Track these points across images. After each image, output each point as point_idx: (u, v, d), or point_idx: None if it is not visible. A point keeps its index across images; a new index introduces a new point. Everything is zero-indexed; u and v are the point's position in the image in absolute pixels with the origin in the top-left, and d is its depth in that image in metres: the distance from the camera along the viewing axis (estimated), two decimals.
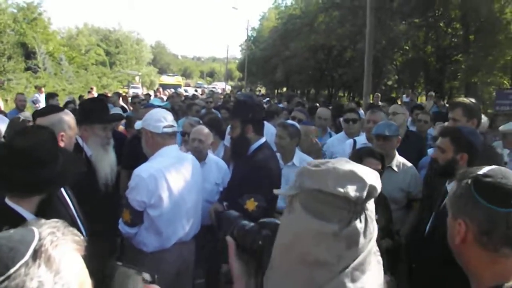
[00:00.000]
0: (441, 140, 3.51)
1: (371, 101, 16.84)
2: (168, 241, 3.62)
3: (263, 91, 48.17)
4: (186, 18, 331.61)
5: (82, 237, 1.07)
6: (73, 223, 2.63)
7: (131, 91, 35.21)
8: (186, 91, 34.42)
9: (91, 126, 3.83)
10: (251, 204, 3.94)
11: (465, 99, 4.55)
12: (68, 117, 3.25)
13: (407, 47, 27.34)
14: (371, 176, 1.26)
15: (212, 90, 27.17)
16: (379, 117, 5.50)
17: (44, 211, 2.36)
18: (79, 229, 2.65)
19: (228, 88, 55.39)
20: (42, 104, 14.39)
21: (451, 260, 1.70)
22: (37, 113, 3.38)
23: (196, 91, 25.57)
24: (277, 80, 43.48)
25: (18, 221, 2.26)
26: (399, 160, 4.69)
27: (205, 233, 4.14)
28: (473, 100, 4.51)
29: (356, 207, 1.23)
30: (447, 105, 14.66)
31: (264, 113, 4.57)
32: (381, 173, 3.96)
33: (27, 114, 7.38)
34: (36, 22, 36.14)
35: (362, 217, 1.25)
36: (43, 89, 18.97)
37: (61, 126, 3.13)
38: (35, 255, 0.92)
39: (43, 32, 36.50)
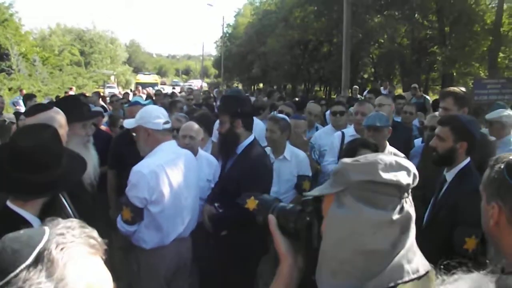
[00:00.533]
0: (440, 129, 3.51)
1: (350, 95, 16.93)
2: (167, 238, 3.59)
3: (240, 87, 48.00)
4: (160, 16, 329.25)
5: (100, 240, 1.00)
6: None
7: (107, 91, 35.03)
8: (162, 89, 34.18)
9: (71, 125, 3.49)
10: (252, 203, 3.86)
11: (455, 88, 4.58)
12: (58, 115, 3.14)
13: (383, 40, 27.52)
14: (411, 165, 1.34)
15: (190, 88, 26.92)
16: (367, 108, 5.52)
17: (49, 214, 2.28)
18: None
19: (205, 85, 55.20)
20: (22, 106, 14.18)
21: (451, 249, 1.74)
22: (26, 113, 3.34)
23: (173, 88, 25.30)
24: (254, 76, 43.30)
25: (21, 225, 2.20)
26: (390, 150, 4.68)
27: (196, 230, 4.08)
28: (463, 89, 4.56)
29: (404, 194, 1.29)
30: (425, 96, 14.85)
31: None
32: None
33: (10, 116, 7.26)
34: (7, 23, 35.54)
35: (409, 202, 1.31)
36: (24, 91, 18.59)
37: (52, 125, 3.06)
38: (38, 258, 0.85)
39: (15, 33, 35.92)
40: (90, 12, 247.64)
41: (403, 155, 4.76)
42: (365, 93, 13.90)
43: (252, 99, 13.37)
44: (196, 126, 4.87)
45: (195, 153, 4.70)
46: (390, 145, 4.79)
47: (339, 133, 5.66)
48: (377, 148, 4.05)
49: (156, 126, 3.55)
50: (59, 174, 2.31)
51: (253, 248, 3.96)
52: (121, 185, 5.31)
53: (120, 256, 4.55)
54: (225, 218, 3.99)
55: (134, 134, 3.77)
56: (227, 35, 55.20)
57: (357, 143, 4.03)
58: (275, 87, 41.44)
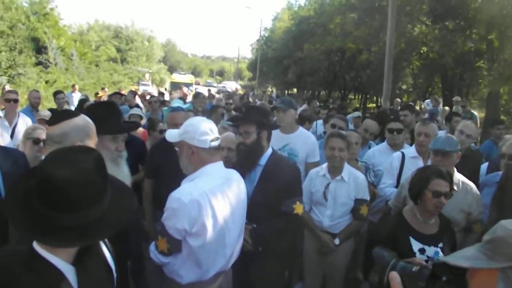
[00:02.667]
0: None
1: (391, 106, 16.37)
2: (207, 274, 3.12)
3: (274, 91, 47.78)
4: (197, 17, 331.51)
5: None
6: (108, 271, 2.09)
7: (141, 88, 35.14)
8: (196, 89, 34.17)
9: (100, 137, 3.12)
10: (299, 208, 3.88)
11: None
12: (85, 123, 2.72)
13: (424, 50, 26.83)
14: None
15: (228, 91, 26.64)
16: (432, 129, 5.09)
17: (85, 261, 1.83)
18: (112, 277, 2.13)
19: (239, 88, 55.13)
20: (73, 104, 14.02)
21: None
22: (49, 121, 2.84)
23: (209, 90, 25.11)
24: (289, 80, 43.10)
25: (50, 273, 1.68)
26: (458, 177, 4.29)
27: None
28: None
29: None
30: (472, 112, 14.27)
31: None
32: (450, 196, 3.56)
33: (46, 113, 7.00)
34: (47, 17, 35.94)
35: None
36: (76, 87, 18.33)
37: (76, 136, 2.62)
38: None
39: (54, 27, 36.30)
40: (129, 9, 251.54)
41: (471, 183, 4.33)
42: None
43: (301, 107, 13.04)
44: (234, 137, 4.62)
45: (232, 165, 4.37)
46: (457, 171, 4.36)
47: (398, 153, 5.25)
48: (452, 179, 3.64)
49: (202, 144, 3.04)
50: (101, 215, 1.79)
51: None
52: (157, 195, 5.01)
53: (150, 267, 4.22)
54: (262, 233, 3.74)
55: (176, 148, 3.25)
56: (264, 38, 55.01)
57: (429, 172, 3.62)
58: (309, 92, 41.20)
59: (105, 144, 3.20)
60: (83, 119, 2.72)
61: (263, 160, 3.95)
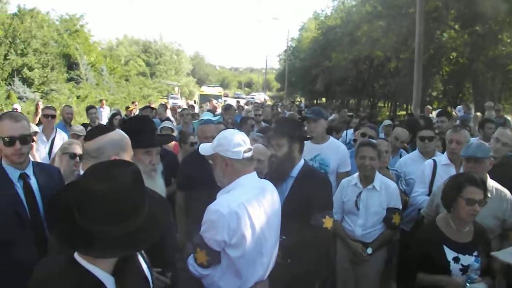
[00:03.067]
0: None
1: (422, 113, 16.17)
2: (246, 284, 3.11)
3: (303, 101, 47.72)
4: (224, 29, 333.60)
5: None
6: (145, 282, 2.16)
7: (171, 101, 35.47)
8: (225, 101, 34.33)
9: (134, 151, 3.13)
10: (328, 222, 3.85)
11: None
12: (120, 137, 2.76)
13: (453, 56, 26.49)
14: None
15: (257, 102, 26.65)
16: (464, 136, 5.03)
17: (124, 271, 1.89)
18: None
19: (267, 98, 55.17)
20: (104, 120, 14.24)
21: None
22: (85, 136, 2.91)
23: (238, 102, 25.19)
24: (317, 90, 42.96)
25: (91, 282, 1.75)
26: (491, 184, 4.22)
27: None
28: None
29: None
30: (506, 117, 14.00)
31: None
32: (484, 203, 3.52)
33: (79, 128, 7.15)
34: (78, 33, 36.74)
35: None
36: (104, 102, 18.56)
37: (112, 150, 2.65)
38: None
39: (84, 43, 37.07)
40: (157, 24, 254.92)
41: (505, 189, 4.26)
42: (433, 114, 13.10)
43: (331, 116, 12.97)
44: (263, 148, 4.61)
45: (262, 177, 4.40)
46: (496, 180, 4.30)
47: (430, 161, 5.21)
48: (486, 186, 3.59)
49: (235, 155, 3.06)
50: (139, 226, 1.84)
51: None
52: (190, 207, 5.04)
53: (183, 277, 4.26)
54: (291, 246, 3.70)
55: (210, 161, 3.28)
56: (291, 49, 55.05)
57: (463, 180, 3.58)
58: (338, 101, 41.03)
59: (139, 157, 3.23)
60: (118, 134, 2.77)
61: (295, 171, 3.97)
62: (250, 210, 2.99)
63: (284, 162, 3.94)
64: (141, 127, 3.41)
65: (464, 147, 4.48)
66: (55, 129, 7.26)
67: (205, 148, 3.24)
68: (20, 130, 3.14)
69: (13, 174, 3.12)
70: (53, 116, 7.33)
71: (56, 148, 6.73)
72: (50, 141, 6.99)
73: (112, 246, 1.77)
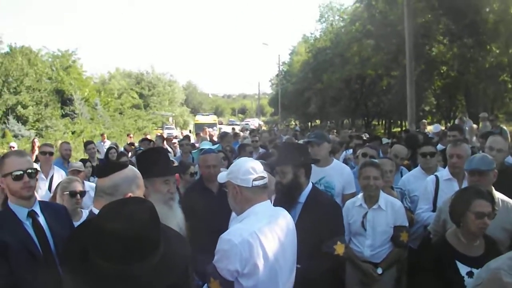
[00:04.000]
0: None
1: (418, 129, 16.19)
2: None
3: (297, 124, 47.85)
4: (215, 57, 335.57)
5: None
6: None
7: (166, 132, 35.50)
8: (221, 129, 34.41)
9: (152, 181, 3.35)
10: (340, 248, 3.80)
11: None
12: (134, 174, 2.81)
13: (444, 69, 26.70)
14: None
15: (252, 128, 26.65)
16: (464, 150, 5.02)
17: None
18: None
19: (261, 124, 55.29)
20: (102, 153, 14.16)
21: None
22: (98, 173, 3.00)
23: (233, 129, 25.23)
24: (311, 112, 43.16)
25: None
26: (497, 196, 4.17)
27: None
28: None
29: None
30: (502, 127, 14.04)
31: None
32: (493, 216, 3.50)
33: (78, 164, 7.12)
34: (70, 69, 37.00)
35: None
36: (105, 136, 18.47)
37: (127, 187, 2.70)
38: None
39: (77, 78, 37.30)
40: (149, 55, 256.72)
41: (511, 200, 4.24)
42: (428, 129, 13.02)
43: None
44: (267, 174, 4.55)
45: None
46: (498, 190, 4.26)
47: (432, 177, 5.20)
48: (493, 198, 3.57)
49: (245, 183, 3.02)
50: (156, 265, 1.81)
51: None
52: (198, 238, 4.99)
53: None
54: (303, 274, 3.56)
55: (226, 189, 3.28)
56: (283, 73, 55.42)
57: (470, 193, 3.57)
58: (332, 122, 41.15)
59: (157, 187, 3.35)
60: (132, 170, 2.81)
61: (302, 197, 3.95)
62: (262, 239, 2.94)
63: (290, 189, 3.92)
64: (158, 158, 3.54)
65: (467, 160, 4.46)
66: (52, 166, 7.23)
67: (221, 176, 3.24)
68: (27, 164, 3.22)
69: (21, 213, 3.13)
70: (51, 153, 7.33)
71: (54, 186, 6.70)
72: (48, 178, 6.95)
73: (129, 286, 1.74)
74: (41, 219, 3.21)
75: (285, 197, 3.93)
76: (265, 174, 3.14)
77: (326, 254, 3.76)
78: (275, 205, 3.74)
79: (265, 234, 2.97)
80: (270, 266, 2.97)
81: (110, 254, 1.73)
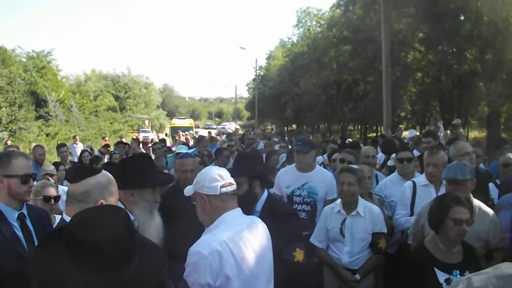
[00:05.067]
0: None
1: (394, 134, 16.31)
2: None
3: (274, 128, 47.91)
4: (192, 60, 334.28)
5: None
6: None
7: (142, 135, 35.22)
8: (197, 132, 34.28)
9: (141, 191, 3.27)
10: (299, 255, 3.86)
11: None
12: (107, 180, 2.68)
13: (419, 76, 27.05)
14: None
15: (228, 132, 26.52)
16: (439, 159, 5.01)
17: None
18: None
19: (238, 128, 55.26)
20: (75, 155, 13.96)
21: None
22: (71, 178, 2.88)
23: (209, 133, 25.16)
24: (287, 117, 43.26)
25: None
26: (475, 204, 4.19)
27: None
28: None
29: None
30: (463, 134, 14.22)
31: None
32: (471, 223, 3.51)
33: (50, 167, 6.97)
34: (45, 70, 36.43)
35: None
36: (77, 138, 18.19)
37: (99, 193, 2.58)
38: None
39: (52, 80, 36.75)
40: (125, 58, 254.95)
41: (488, 208, 4.26)
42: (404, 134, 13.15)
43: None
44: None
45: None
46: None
47: (409, 183, 5.20)
48: (472, 206, 3.58)
49: (212, 191, 2.88)
50: (131, 275, 1.74)
51: None
52: (174, 244, 4.91)
53: None
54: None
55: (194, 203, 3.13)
56: (260, 77, 55.47)
57: (448, 200, 3.56)
58: (308, 127, 41.32)
59: (145, 197, 3.28)
60: (105, 176, 2.69)
61: (258, 206, 4.00)
62: (233, 248, 2.78)
63: (246, 200, 3.86)
64: (146, 167, 3.43)
65: (445, 168, 4.45)
66: None
67: (188, 190, 3.10)
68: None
69: (11, 214, 3.11)
70: None
71: None
72: None
73: None
74: (28, 222, 3.20)
75: (241, 208, 3.87)
76: (232, 180, 3.00)
77: (286, 261, 3.76)
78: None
79: (237, 243, 2.82)
80: (244, 277, 2.81)
81: (82, 265, 1.65)
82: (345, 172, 4.62)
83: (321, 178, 5.39)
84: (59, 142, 13.74)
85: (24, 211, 3.22)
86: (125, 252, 1.73)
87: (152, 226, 3.32)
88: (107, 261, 1.66)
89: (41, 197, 4.44)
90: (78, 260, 1.65)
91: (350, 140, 12.81)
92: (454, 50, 22.11)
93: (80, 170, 2.94)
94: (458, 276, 3.43)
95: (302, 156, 5.33)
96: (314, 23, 40.26)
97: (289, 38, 44.63)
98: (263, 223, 3.17)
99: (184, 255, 4.66)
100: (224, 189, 2.90)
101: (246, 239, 2.89)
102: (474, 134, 30.45)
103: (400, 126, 19.44)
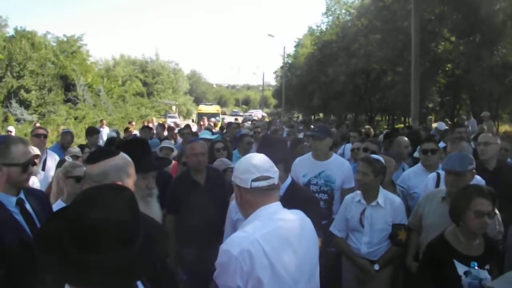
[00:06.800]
0: None
1: (424, 125, 16.09)
2: None
3: (300, 117, 47.69)
4: (220, 47, 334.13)
5: None
6: None
7: (169, 121, 35.37)
8: (223, 119, 34.31)
9: None
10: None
11: None
12: (125, 161, 2.61)
13: (449, 67, 26.58)
14: None
15: (254, 119, 26.29)
16: (462, 148, 4.95)
17: None
18: None
19: (264, 115, 55.18)
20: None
21: None
22: (87, 159, 2.75)
23: (236, 119, 25.13)
24: (314, 106, 43.00)
25: None
26: None
27: None
28: None
29: None
30: None
31: None
32: (493, 215, 3.44)
33: (76, 149, 7.07)
34: (75, 55, 36.85)
35: None
36: (104, 122, 18.14)
37: (116, 175, 2.50)
38: None
39: (82, 64, 37.12)
40: (154, 42, 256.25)
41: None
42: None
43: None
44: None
45: None
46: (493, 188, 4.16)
47: (433, 174, 5.14)
48: (495, 197, 3.49)
49: (243, 183, 2.62)
50: (135, 255, 1.69)
51: None
52: (183, 231, 4.88)
53: None
54: None
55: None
56: (288, 65, 55.20)
57: (471, 191, 3.49)
58: (332, 116, 41.08)
59: (136, 182, 2.99)
60: (123, 158, 2.62)
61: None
62: (266, 248, 2.48)
63: None
64: (138, 151, 3.18)
65: (445, 159, 4.45)
66: (45, 150, 7.13)
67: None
68: (30, 153, 3.12)
69: (9, 201, 3.02)
70: (45, 136, 7.35)
71: (49, 171, 6.58)
72: (42, 162, 6.80)
73: (106, 277, 1.63)
74: (28, 206, 3.13)
75: None
76: (272, 173, 2.68)
77: None
78: None
79: (270, 241, 2.51)
80: (280, 279, 2.52)
81: (86, 245, 1.62)
82: (362, 162, 4.59)
83: (338, 166, 5.31)
84: (86, 126, 13.79)
85: (22, 195, 3.13)
86: (129, 230, 1.69)
87: (146, 213, 3.23)
88: (110, 240, 1.63)
89: (73, 177, 4.25)
90: (80, 240, 1.63)
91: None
92: (486, 41, 21.60)
93: (97, 152, 2.90)
94: (476, 268, 3.38)
95: (318, 143, 5.25)
96: (343, 11, 39.70)
97: (318, 26, 44.08)
98: (309, 220, 2.85)
99: (194, 242, 4.66)
100: (255, 183, 2.60)
101: (284, 237, 2.59)
102: (504, 128, 29.91)
103: (431, 117, 19.16)
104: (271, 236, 2.52)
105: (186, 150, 5.43)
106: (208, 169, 5.28)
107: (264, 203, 2.63)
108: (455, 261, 3.45)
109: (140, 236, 1.74)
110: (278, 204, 2.70)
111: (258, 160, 2.71)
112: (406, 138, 6.55)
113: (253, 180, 2.59)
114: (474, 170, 4.23)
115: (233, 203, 4.27)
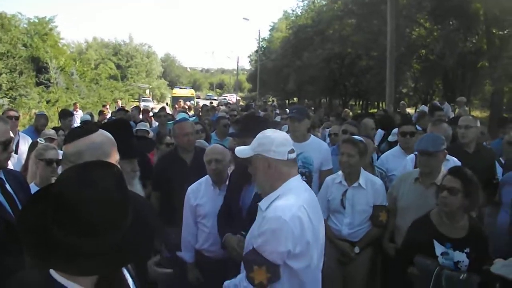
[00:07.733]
0: None
1: (398, 110, 16.24)
2: None
3: (275, 101, 47.74)
4: (194, 30, 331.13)
5: None
6: None
7: (142, 104, 35.06)
8: (198, 103, 34.16)
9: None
10: None
11: None
12: (102, 139, 2.40)
13: (423, 53, 26.84)
14: None
15: (229, 103, 26.12)
16: (443, 130, 5.00)
17: (105, 287, 1.66)
18: None
19: (239, 99, 55.10)
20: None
21: None
22: (65, 139, 2.56)
23: (211, 103, 25.00)
24: (289, 90, 43.03)
25: None
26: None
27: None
28: None
29: None
30: None
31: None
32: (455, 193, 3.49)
33: (51, 132, 6.92)
34: (47, 37, 36.08)
35: None
36: (78, 105, 17.87)
37: (91, 154, 2.28)
38: None
39: (53, 47, 36.41)
40: (127, 25, 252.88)
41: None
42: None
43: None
44: (221, 148, 4.41)
45: (223, 179, 4.28)
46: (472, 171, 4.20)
47: (411, 156, 5.16)
48: (468, 178, 3.51)
49: (280, 155, 2.72)
50: (124, 238, 1.59)
51: None
52: (167, 209, 4.91)
53: None
54: None
55: (248, 165, 2.98)
56: (262, 49, 55.05)
57: (449, 170, 3.58)
58: (306, 100, 41.17)
59: (121, 166, 2.99)
60: (101, 135, 2.43)
61: None
62: (310, 213, 2.67)
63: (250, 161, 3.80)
64: (119, 135, 2.84)
65: (418, 140, 4.50)
66: (17, 133, 6.95)
67: (243, 151, 2.92)
68: (9, 132, 3.01)
69: None
70: (17, 118, 7.27)
71: (24, 154, 6.45)
72: (14, 145, 6.63)
73: (94, 261, 1.53)
74: (8, 186, 3.00)
75: (245, 169, 3.62)
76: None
77: None
78: (233, 177, 3.80)
79: (311, 208, 2.73)
80: (318, 242, 2.75)
81: (71, 227, 1.50)
82: (346, 143, 4.56)
83: (316, 148, 5.22)
84: (59, 109, 13.51)
85: (2, 175, 3.00)
86: (118, 210, 1.58)
87: None
88: (97, 221, 1.52)
89: (44, 160, 4.23)
90: (66, 222, 1.51)
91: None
92: (461, 25, 21.85)
93: (73, 131, 2.71)
94: (451, 249, 3.42)
95: (297, 124, 5.15)
96: None
97: (293, 10, 44.05)
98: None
99: (177, 220, 4.63)
100: (291, 155, 2.77)
101: (314, 205, 2.84)
102: (476, 113, 30.40)
103: (404, 102, 19.33)
104: (309, 203, 2.74)
105: (174, 130, 5.33)
106: (195, 149, 5.26)
107: (294, 174, 2.81)
108: (435, 241, 3.48)
109: (129, 215, 1.64)
110: (299, 176, 2.89)
111: (283, 134, 2.92)
112: (372, 120, 6.74)
113: (289, 152, 2.75)
114: (445, 151, 4.28)
115: (191, 188, 4.35)
